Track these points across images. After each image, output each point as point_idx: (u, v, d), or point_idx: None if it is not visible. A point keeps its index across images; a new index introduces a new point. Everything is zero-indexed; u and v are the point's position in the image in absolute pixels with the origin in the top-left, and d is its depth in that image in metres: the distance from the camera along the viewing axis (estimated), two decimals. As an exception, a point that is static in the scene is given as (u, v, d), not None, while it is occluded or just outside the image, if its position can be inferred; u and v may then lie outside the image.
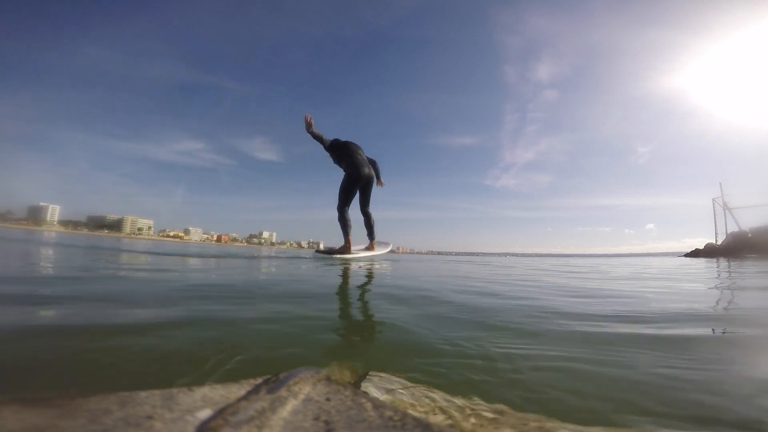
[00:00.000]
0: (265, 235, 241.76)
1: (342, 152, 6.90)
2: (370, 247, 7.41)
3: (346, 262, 6.04)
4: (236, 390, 0.60)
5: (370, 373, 1.13)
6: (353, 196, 6.94)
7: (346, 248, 6.89)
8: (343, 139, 7.15)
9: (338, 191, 6.88)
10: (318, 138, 6.69)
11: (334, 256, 6.66)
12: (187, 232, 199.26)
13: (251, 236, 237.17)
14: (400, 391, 1.08)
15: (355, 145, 7.09)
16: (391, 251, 9.34)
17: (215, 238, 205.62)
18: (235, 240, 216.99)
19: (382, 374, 1.16)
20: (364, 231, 7.43)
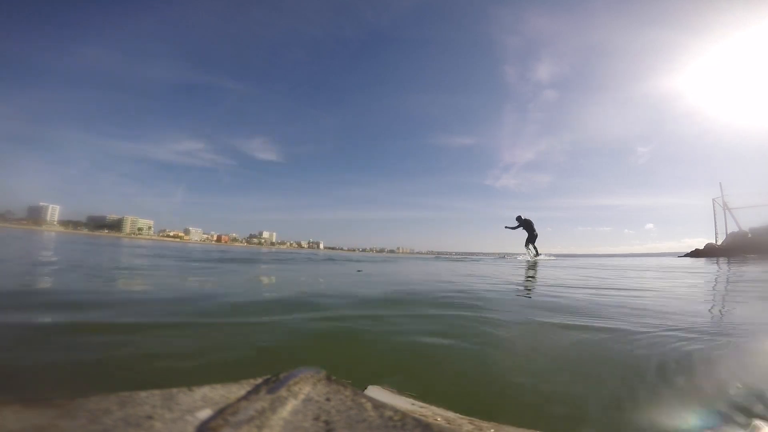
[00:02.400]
0: (265, 235, 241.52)
1: (529, 225, 16.95)
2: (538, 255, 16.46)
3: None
4: (236, 390, 0.60)
5: (369, 387, 1.12)
6: (533, 242, 16.70)
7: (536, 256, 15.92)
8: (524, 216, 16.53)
9: (527, 239, 16.95)
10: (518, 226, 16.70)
11: (535, 258, 15.74)
12: (187, 232, 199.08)
13: (251, 236, 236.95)
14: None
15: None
16: (391, 251, 13.17)
17: (215, 238, 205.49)
18: (235, 240, 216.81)
19: (381, 388, 1.15)
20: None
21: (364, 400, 0.70)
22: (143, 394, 0.51)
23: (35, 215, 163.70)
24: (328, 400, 0.67)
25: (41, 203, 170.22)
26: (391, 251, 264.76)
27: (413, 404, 1.02)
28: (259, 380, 0.67)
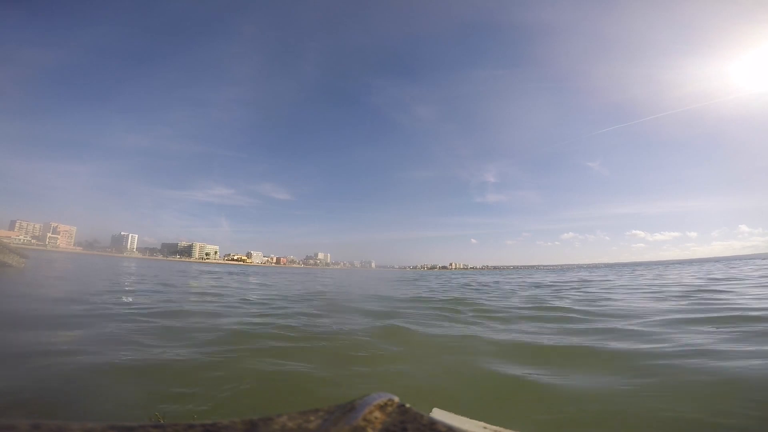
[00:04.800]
0: (320, 256, 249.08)
1: None
2: None
3: None
4: (313, 419, 0.58)
5: (434, 410, 1.07)
6: None
7: None
8: None
9: None
10: None
11: None
12: (249, 255, 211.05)
13: (308, 257, 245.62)
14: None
15: None
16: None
17: (275, 260, 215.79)
18: (293, 262, 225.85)
19: (446, 412, 1.09)
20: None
21: (443, 430, 0.64)
22: (225, 422, 0.51)
23: (117, 244, 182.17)
24: (404, 429, 0.62)
25: (122, 232, 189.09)
26: (444, 267, 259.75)
27: (485, 428, 0.96)
28: (333, 407, 0.65)
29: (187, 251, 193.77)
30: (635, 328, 5.61)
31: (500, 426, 0.97)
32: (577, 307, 8.58)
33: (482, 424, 1.03)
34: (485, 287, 18.77)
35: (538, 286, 18.77)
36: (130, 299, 9.91)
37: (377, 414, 0.64)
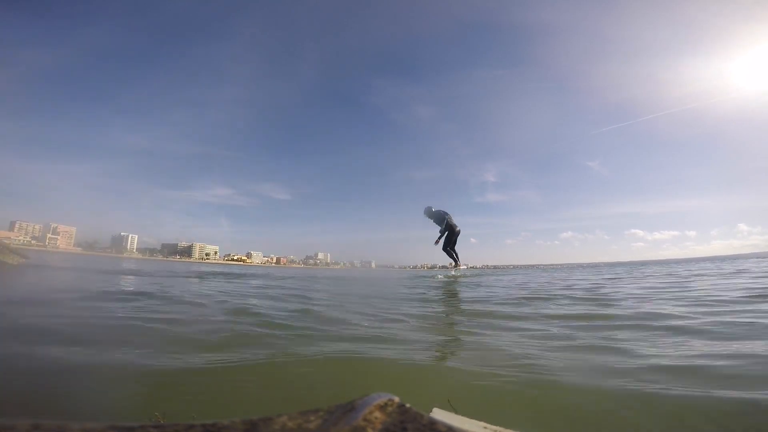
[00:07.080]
0: (320, 256, 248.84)
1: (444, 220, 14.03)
2: (458, 266, 14.90)
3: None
4: (314, 419, 0.58)
5: (434, 409, 1.07)
6: (455, 243, 14.44)
7: (458, 265, 14.81)
8: (436, 207, 14.73)
9: (445, 240, 13.99)
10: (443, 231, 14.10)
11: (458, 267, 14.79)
12: (249, 255, 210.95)
13: (307, 257, 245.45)
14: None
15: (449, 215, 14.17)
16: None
17: (275, 260, 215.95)
18: (293, 262, 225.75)
19: (446, 412, 1.09)
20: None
21: (443, 430, 0.64)
22: (225, 422, 0.51)
23: (117, 244, 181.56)
24: (404, 429, 0.62)
25: (122, 233, 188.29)
26: (444, 267, 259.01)
27: (485, 428, 0.96)
28: (333, 407, 0.65)
29: (187, 251, 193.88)
30: None
31: (500, 426, 0.97)
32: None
33: (482, 424, 1.03)
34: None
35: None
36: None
37: (377, 414, 0.64)
